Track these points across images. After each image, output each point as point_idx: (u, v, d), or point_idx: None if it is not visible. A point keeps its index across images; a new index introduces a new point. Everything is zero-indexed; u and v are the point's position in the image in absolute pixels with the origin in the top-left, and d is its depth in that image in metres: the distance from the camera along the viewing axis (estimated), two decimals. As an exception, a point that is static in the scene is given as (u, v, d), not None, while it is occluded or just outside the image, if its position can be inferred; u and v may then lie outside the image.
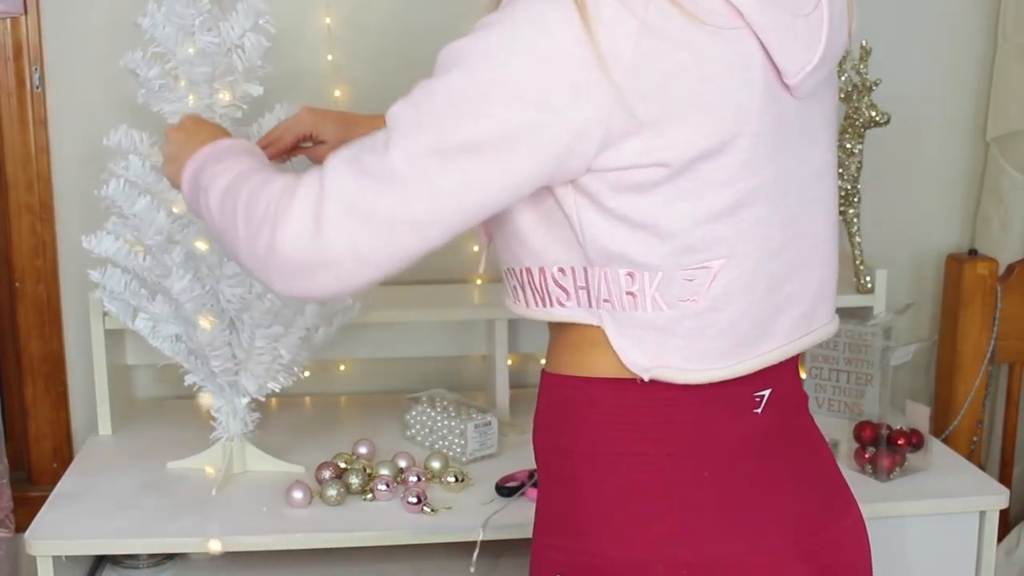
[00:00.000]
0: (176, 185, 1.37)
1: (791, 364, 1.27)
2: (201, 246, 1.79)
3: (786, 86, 1.16)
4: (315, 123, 1.58)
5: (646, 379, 1.17)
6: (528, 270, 1.21)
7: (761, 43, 1.13)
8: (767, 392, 1.23)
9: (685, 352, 1.17)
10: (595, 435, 1.20)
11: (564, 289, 1.19)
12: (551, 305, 1.21)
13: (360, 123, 1.58)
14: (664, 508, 1.18)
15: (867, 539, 1.33)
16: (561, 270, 1.18)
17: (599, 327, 1.18)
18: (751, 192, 1.14)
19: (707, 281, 1.15)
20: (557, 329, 1.25)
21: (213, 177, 1.25)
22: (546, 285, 1.20)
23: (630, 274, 1.15)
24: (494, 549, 1.93)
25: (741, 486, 1.21)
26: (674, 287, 1.15)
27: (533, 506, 1.58)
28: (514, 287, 1.24)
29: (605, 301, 1.17)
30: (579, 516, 1.21)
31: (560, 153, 1.09)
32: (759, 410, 1.22)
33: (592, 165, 1.11)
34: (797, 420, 1.29)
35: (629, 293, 1.16)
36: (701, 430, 1.19)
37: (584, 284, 1.18)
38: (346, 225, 1.10)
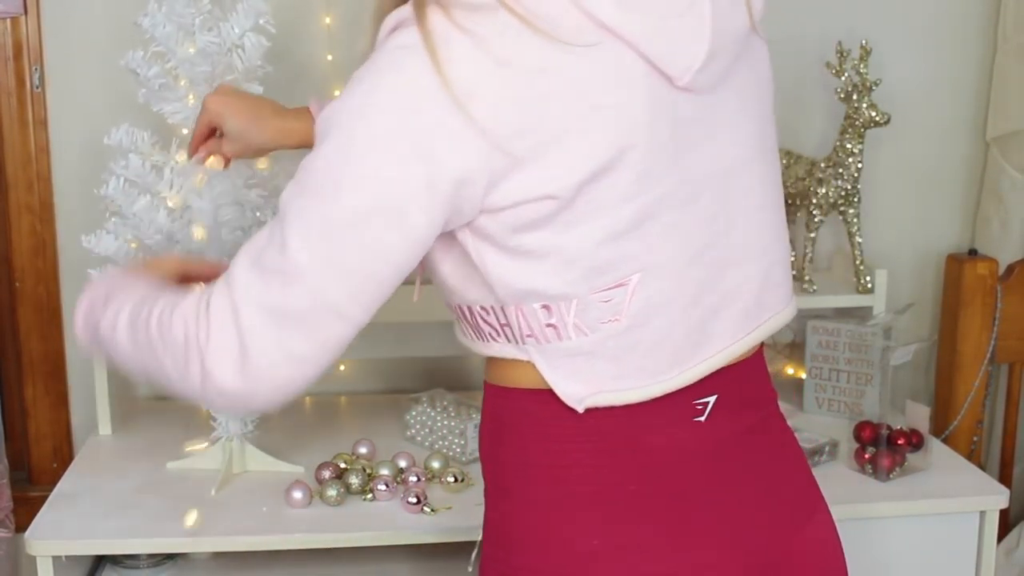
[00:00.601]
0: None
1: (742, 366, 1.21)
2: (201, 246, 1.79)
3: (682, 87, 1.10)
4: (220, 114, 1.50)
5: (581, 410, 1.14)
6: (459, 307, 1.19)
7: (639, 52, 1.07)
8: (711, 399, 1.18)
9: (617, 372, 1.14)
10: (527, 446, 1.18)
11: (491, 326, 1.16)
12: (485, 340, 1.19)
13: (267, 117, 1.50)
14: (589, 523, 1.15)
15: (835, 544, 1.28)
16: (483, 308, 1.15)
17: (529, 362, 1.15)
18: (654, 203, 1.10)
19: (625, 299, 1.11)
20: None
21: (109, 321, 1.21)
22: (476, 322, 1.18)
23: (545, 307, 1.11)
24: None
25: (679, 499, 1.16)
26: (592, 311, 1.11)
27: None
28: (456, 319, 1.22)
29: (528, 336, 1.14)
30: (512, 529, 1.19)
31: (449, 200, 1.06)
32: (702, 418, 1.17)
33: (483, 207, 1.07)
34: (756, 422, 1.23)
35: (549, 325, 1.12)
36: (631, 442, 1.15)
37: (506, 322, 1.14)
38: (269, 332, 1.08)
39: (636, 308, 1.12)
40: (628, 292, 1.11)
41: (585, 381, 1.14)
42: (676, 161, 1.11)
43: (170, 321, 1.12)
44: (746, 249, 1.19)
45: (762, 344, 1.26)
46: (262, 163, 1.83)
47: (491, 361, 1.21)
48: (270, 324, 1.08)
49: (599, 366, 1.14)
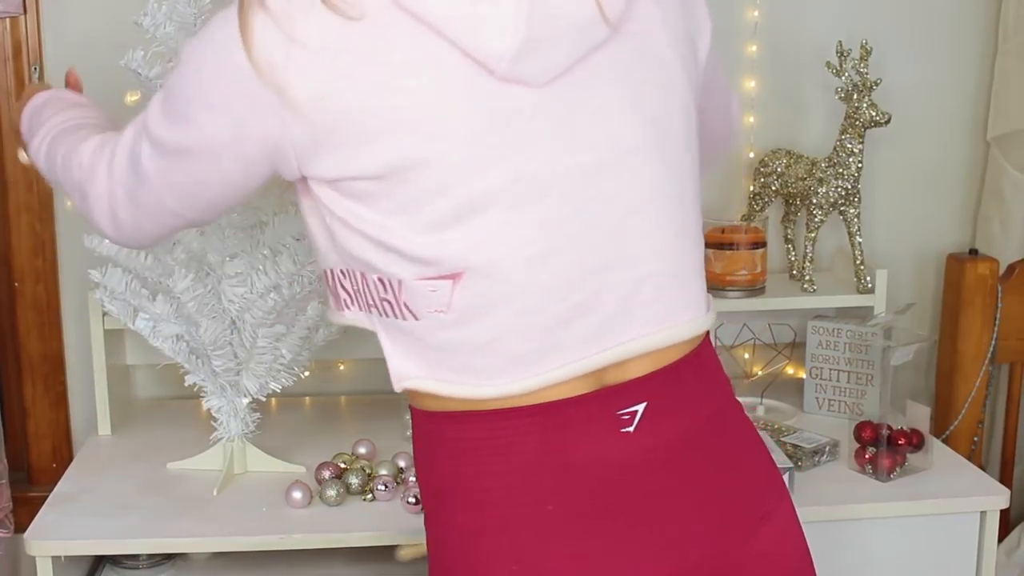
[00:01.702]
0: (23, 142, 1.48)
1: (677, 368, 1.15)
2: (203, 245, 1.78)
3: (505, 78, 1.05)
4: None
5: (398, 389, 1.15)
6: (325, 272, 1.19)
7: (446, 38, 1.04)
8: (640, 407, 1.12)
9: (447, 363, 1.12)
10: (439, 470, 1.15)
11: (347, 291, 1.17)
12: (341, 308, 1.19)
13: None
14: (502, 546, 1.11)
15: (793, 546, 1.23)
16: (342, 272, 1.16)
17: (375, 332, 1.16)
18: (480, 197, 1.06)
19: (450, 294, 1.08)
20: None
21: (38, 139, 1.38)
22: (335, 287, 1.18)
23: (381, 280, 1.11)
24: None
25: (605, 517, 1.11)
26: (418, 297, 1.10)
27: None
28: (325, 291, 1.23)
29: (371, 306, 1.14)
30: (439, 555, 1.17)
31: (263, 158, 1.11)
32: (631, 428, 1.12)
33: (308, 173, 1.10)
34: (700, 424, 1.17)
35: (384, 300, 1.12)
36: (547, 459, 1.10)
37: (356, 286, 1.15)
38: (129, 209, 1.22)
39: (462, 304, 1.09)
40: (453, 287, 1.08)
41: (415, 363, 1.14)
42: (505, 156, 1.06)
43: (70, 164, 1.29)
44: (617, 256, 1.11)
45: (707, 336, 1.21)
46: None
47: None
48: (129, 204, 1.22)
49: (430, 353, 1.12)
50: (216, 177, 1.15)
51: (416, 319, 1.11)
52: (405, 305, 1.11)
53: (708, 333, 1.22)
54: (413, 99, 1.04)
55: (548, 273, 1.09)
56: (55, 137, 1.35)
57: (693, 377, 1.18)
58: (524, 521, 1.11)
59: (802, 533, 1.24)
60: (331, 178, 1.08)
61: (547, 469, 1.10)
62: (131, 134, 1.21)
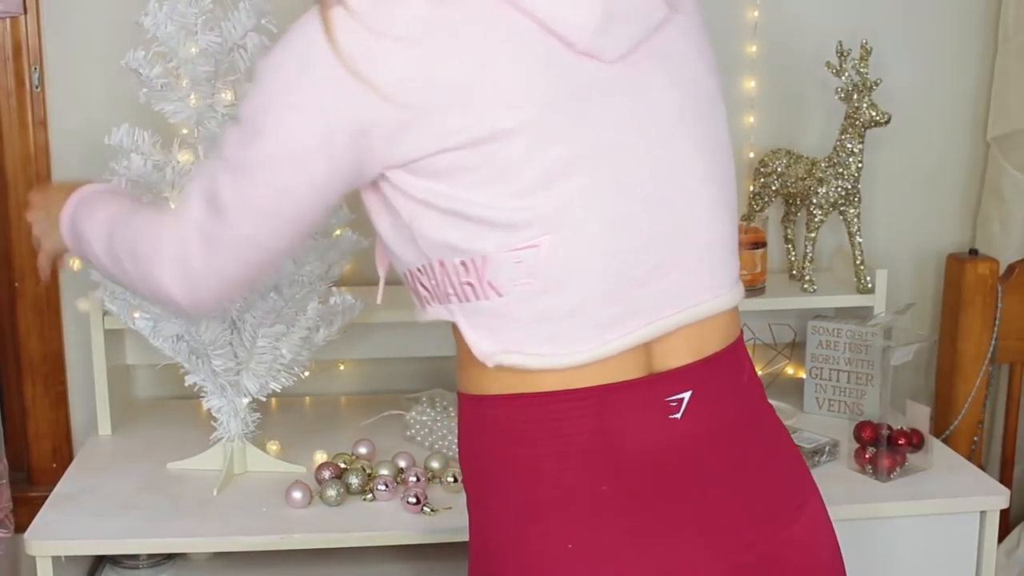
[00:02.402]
0: (63, 249, 1.47)
1: (719, 359, 1.21)
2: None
3: (583, 52, 1.12)
4: None
5: (491, 365, 1.16)
6: (405, 274, 1.22)
7: (529, 14, 1.10)
8: (686, 395, 1.17)
9: (535, 338, 1.15)
10: (495, 453, 1.18)
11: (426, 288, 1.19)
12: (423, 306, 1.22)
13: None
14: (556, 526, 1.15)
15: (827, 538, 1.27)
16: (419, 269, 1.19)
17: (454, 323, 1.18)
18: (563, 164, 1.11)
19: (537, 262, 1.12)
20: (455, 345, 1.23)
21: (89, 228, 1.35)
22: (416, 287, 1.21)
23: (463, 263, 1.14)
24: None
25: (655, 500, 1.15)
26: (504, 271, 1.13)
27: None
28: (411, 294, 1.25)
29: (450, 294, 1.17)
30: (488, 538, 1.20)
31: (349, 151, 1.13)
32: (678, 415, 1.16)
33: (390, 160, 1.13)
34: (739, 415, 1.22)
35: (467, 283, 1.15)
36: (601, 441, 1.14)
37: (435, 281, 1.18)
38: (202, 252, 1.21)
39: (549, 271, 1.12)
40: (539, 254, 1.12)
41: (499, 341, 1.16)
42: (583, 126, 1.12)
43: (135, 236, 1.27)
44: (681, 223, 1.18)
45: (741, 335, 1.26)
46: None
47: (460, 370, 1.22)
48: (204, 245, 1.20)
49: (514, 330, 1.15)
50: (302, 184, 1.16)
51: (500, 295, 1.14)
52: (489, 283, 1.14)
53: (743, 333, 1.28)
54: (496, 72, 1.10)
55: (626, 236, 1.14)
56: (110, 222, 1.34)
57: (732, 370, 1.23)
58: (579, 501, 1.14)
59: (832, 526, 1.29)
60: (416, 157, 1.11)
61: (601, 451, 1.14)
62: (201, 178, 1.22)
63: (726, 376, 1.22)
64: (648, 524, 1.15)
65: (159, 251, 1.23)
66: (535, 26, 1.10)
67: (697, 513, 1.16)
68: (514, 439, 1.17)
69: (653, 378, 1.17)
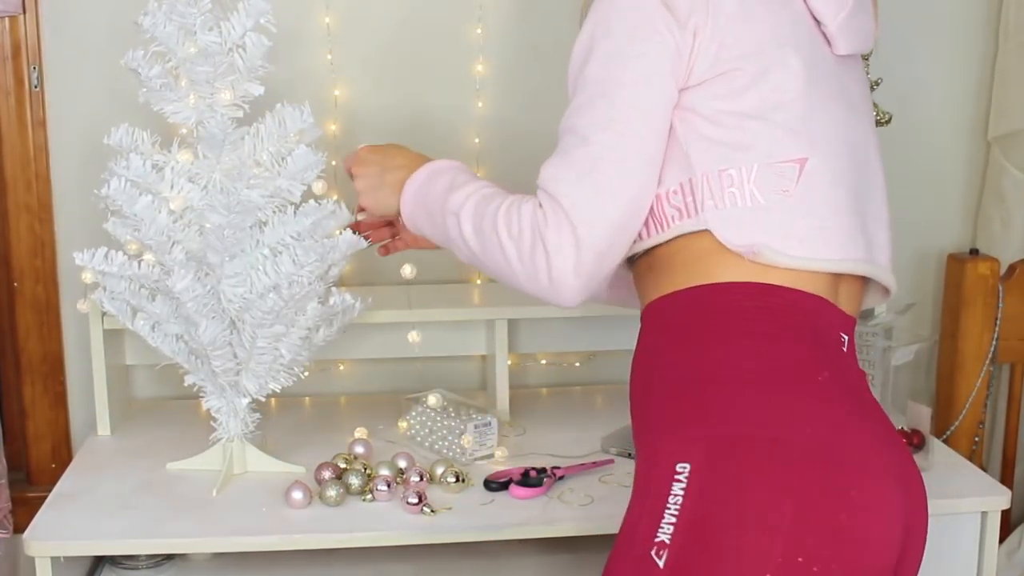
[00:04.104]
0: (386, 212, 1.56)
1: (854, 324, 1.39)
2: (202, 247, 1.78)
3: (825, 41, 1.38)
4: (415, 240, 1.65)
5: (746, 255, 1.29)
6: (658, 196, 1.34)
7: None
8: (846, 338, 1.35)
9: (785, 237, 1.30)
10: (726, 330, 1.30)
11: (676, 208, 1.33)
12: (665, 226, 1.34)
13: None
14: (795, 392, 1.27)
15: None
16: (674, 191, 1.33)
17: (707, 231, 1.31)
18: (819, 99, 1.33)
19: (795, 175, 1.31)
20: (664, 257, 1.36)
21: (458, 201, 1.41)
22: (663, 210, 1.34)
23: (729, 173, 1.30)
24: (493, 549, 1.93)
25: (849, 398, 1.30)
26: (768, 178, 1.30)
27: (519, 504, 1.60)
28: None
29: (709, 203, 1.31)
30: (716, 405, 1.27)
31: (681, 64, 1.31)
32: (845, 349, 1.35)
33: (689, 79, 1.31)
34: (863, 381, 1.38)
35: (731, 191, 1.30)
36: (820, 336, 1.31)
37: (691, 195, 1.32)
38: (590, 205, 1.30)
39: (805, 185, 1.31)
40: (798, 169, 1.31)
41: (756, 236, 1.30)
42: (830, 80, 1.37)
43: (519, 212, 1.33)
44: (877, 195, 1.43)
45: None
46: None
47: (667, 273, 1.35)
48: (587, 198, 1.30)
49: (773, 228, 1.30)
50: (663, 103, 1.31)
51: (761, 202, 1.30)
52: (753, 191, 1.30)
53: None
54: (784, 18, 1.35)
55: (856, 180, 1.38)
56: (480, 199, 1.40)
57: (853, 341, 1.40)
58: (813, 379, 1.29)
59: None
60: (712, 75, 1.31)
61: (821, 344, 1.31)
62: (559, 156, 1.33)
63: (853, 342, 1.39)
64: (856, 408, 1.30)
65: (544, 224, 1.31)
66: (801, 1, 1.37)
67: (872, 424, 1.31)
68: (753, 318, 1.30)
69: (838, 308, 1.35)
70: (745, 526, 1.21)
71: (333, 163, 2.18)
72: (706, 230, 1.31)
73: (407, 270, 1.78)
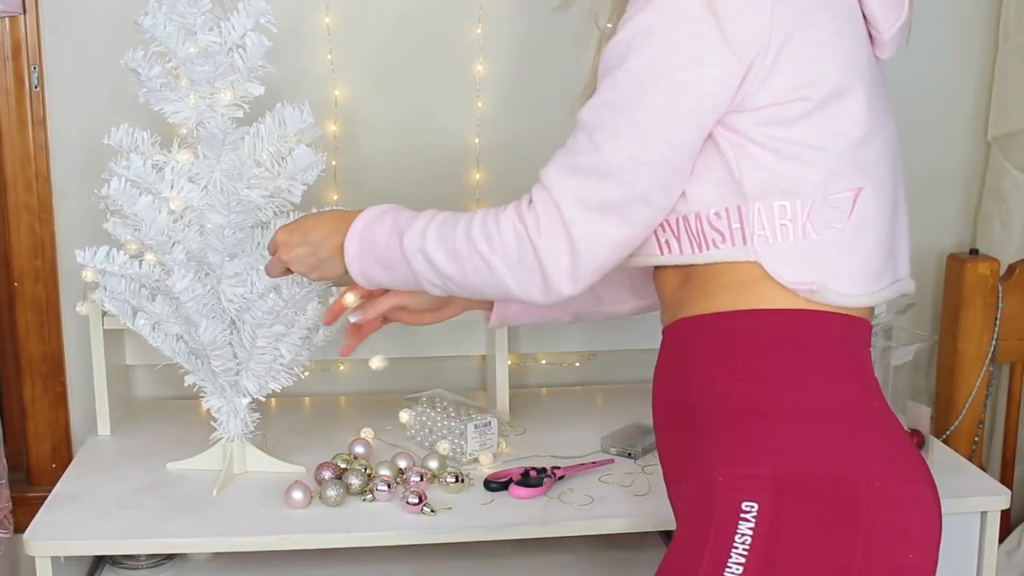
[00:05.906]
0: (338, 276, 1.47)
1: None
2: (202, 247, 1.78)
3: (870, 43, 1.35)
4: (411, 295, 1.57)
5: (802, 294, 1.27)
6: (684, 218, 1.30)
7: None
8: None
9: (836, 274, 1.28)
10: (782, 361, 1.28)
11: (719, 231, 1.29)
12: (704, 248, 1.30)
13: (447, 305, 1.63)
14: (857, 429, 1.27)
15: None
16: (716, 214, 1.29)
17: (755, 262, 1.28)
18: (871, 130, 1.30)
19: (849, 208, 1.28)
20: (703, 275, 1.32)
21: (416, 238, 1.35)
22: (702, 229, 1.30)
23: (783, 205, 1.27)
24: (493, 549, 1.93)
25: (895, 421, 1.33)
26: (823, 213, 1.27)
27: (521, 504, 1.59)
28: (666, 240, 1.33)
29: (759, 235, 1.27)
30: (779, 442, 1.26)
31: (725, 96, 1.24)
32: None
33: (741, 105, 1.25)
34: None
35: (783, 224, 1.27)
36: (865, 361, 1.33)
37: (739, 223, 1.28)
38: (590, 222, 1.26)
39: (856, 218, 1.29)
40: (851, 201, 1.29)
41: (810, 278, 1.28)
42: (878, 89, 1.34)
43: (496, 225, 1.29)
44: (902, 195, 1.39)
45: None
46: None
47: (706, 290, 1.32)
48: (590, 215, 1.26)
49: (825, 268, 1.28)
50: (692, 131, 1.25)
51: (814, 237, 1.28)
52: (806, 226, 1.28)
53: None
54: (846, 39, 1.30)
55: (894, 199, 1.35)
56: (439, 227, 1.34)
57: None
58: (869, 410, 1.30)
59: None
60: (771, 103, 1.25)
61: (867, 369, 1.33)
62: (565, 158, 1.28)
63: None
64: (896, 435, 1.31)
65: (537, 232, 1.27)
66: (859, 11, 1.34)
67: (903, 436, 1.34)
68: (804, 348, 1.29)
69: (861, 323, 1.34)
70: (818, 569, 1.23)
71: (333, 163, 2.19)
72: (755, 262, 1.29)
73: (376, 361, 1.76)
